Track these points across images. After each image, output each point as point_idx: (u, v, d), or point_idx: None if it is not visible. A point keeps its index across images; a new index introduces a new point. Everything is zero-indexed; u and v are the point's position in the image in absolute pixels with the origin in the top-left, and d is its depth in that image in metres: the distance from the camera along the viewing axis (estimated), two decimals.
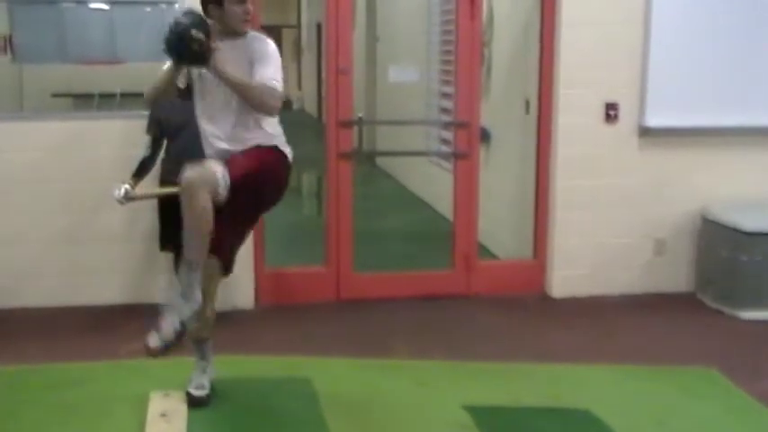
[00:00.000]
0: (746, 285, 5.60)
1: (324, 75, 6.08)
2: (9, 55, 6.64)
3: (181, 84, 4.03)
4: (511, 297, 5.90)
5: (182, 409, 3.96)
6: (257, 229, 5.60)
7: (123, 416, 3.95)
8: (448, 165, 6.71)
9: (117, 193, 4.93)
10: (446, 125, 7.15)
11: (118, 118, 5.58)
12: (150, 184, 5.17)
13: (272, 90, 3.78)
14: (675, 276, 6.04)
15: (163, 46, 3.80)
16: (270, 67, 3.82)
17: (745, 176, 6.00)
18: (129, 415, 3.94)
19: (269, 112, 3.88)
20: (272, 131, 3.96)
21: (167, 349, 3.72)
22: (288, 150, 4.00)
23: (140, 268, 5.56)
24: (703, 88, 5.85)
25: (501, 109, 6.68)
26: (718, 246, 5.76)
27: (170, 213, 5.17)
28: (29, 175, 5.40)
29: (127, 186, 4.95)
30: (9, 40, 6.77)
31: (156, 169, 5.17)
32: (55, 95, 6.89)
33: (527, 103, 6.17)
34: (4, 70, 6.61)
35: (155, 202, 5.24)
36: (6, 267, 5.44)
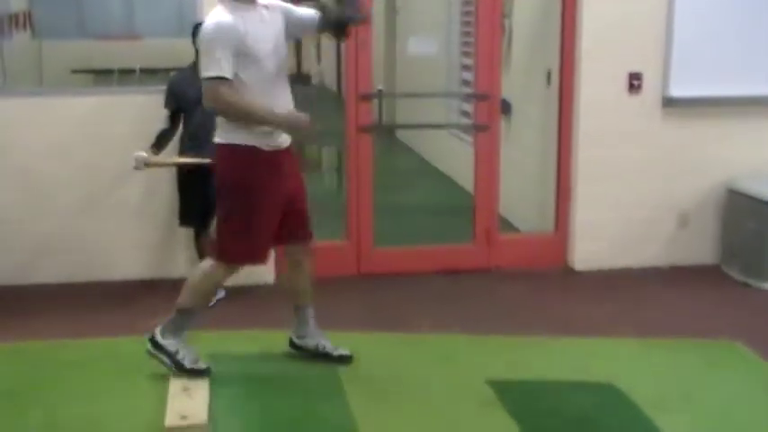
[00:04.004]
0: None
1: (343, 48, 6.02)
2: (29, 31, 6.66)
3: None
4: (533, 271, 5.86)
5: (204, 383, 3.97)
6: None
7: (146, 391, 3.97)
8: (468, 137, 6.65)
9: (135, 155, 4.90)
10: (466, 97, 7.09)
11: (137, 93, 5.55)
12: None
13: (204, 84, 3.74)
14: (700, 249, 5.98)
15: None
16: (201, 56, 3.78)
17: None
18: (151, 390, 3.95)
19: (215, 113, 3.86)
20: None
21: None
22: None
23: (160, 243, 5.55)
24: (729, 57, 5.74)
25: (522, 80, 6.61)
26: (744, 217, 5.68)
27: (190, 189, 5.17)
28: (49, 150, 5.40)
29: (144, 154, 4.93)
30: (29, 17, 6.78)
31: (175, 145, 5.16)
32: (75, 71, 6.90)
33: (548, 74, 6.10)
34: (25, 47, 6.62)
35: (175, 178, 5.22)
36: (27, 243, 5.46)
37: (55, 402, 3.91)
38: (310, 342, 4.30)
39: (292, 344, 4.35)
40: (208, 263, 4.04)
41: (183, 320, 4.04)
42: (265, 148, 3.85)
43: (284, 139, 3.95)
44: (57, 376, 4.15)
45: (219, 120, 3.88)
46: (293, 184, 4.06)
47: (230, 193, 3.89)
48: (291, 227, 4.07)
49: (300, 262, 4.22)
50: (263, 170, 3.87)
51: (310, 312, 4.31)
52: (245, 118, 3.79)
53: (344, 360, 4.30)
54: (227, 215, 3.93)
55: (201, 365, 4.05)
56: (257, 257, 4.04)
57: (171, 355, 4.01)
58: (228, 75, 3.67)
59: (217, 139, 3.92)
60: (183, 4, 5.89)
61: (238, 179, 3.87)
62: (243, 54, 3.70)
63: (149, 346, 4.04)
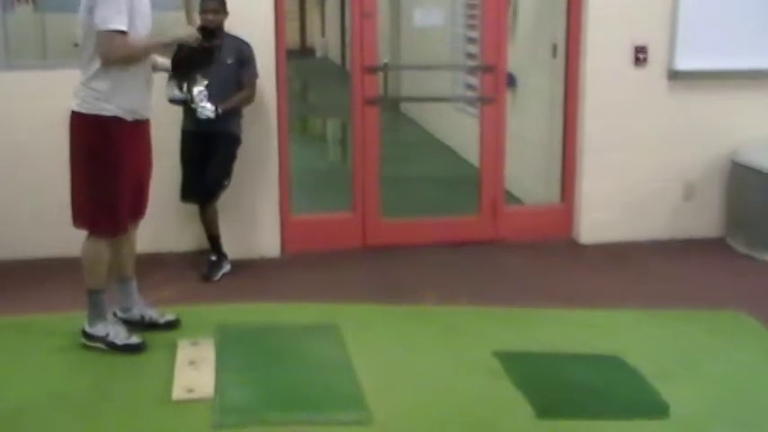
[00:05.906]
0: None
1: (348, 20, 6.00)
2: (31, 4, 6.62)
3: None
4: (538, 242, 5.87)
5: (210, 356, 3.99)
6: (283, 176, 5.59)
7: (152, 364, 3.99)
8: (474, 110, 6.64)
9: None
10: (472, 69, 7.08)
11: None
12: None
13: (103, 35, 3.77)
14: (705, 221, 5.98)
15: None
16: (100, 8, 3.77)
17: None
18: (157, 363, 3.98)
19: (105, 62, 3.84)
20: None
21: None
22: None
23: (166, 217, 5.55)
24: (734, 30, 5.72)
25: (527, 53, 6.59)
26: (749, 189, 5.68)
27: (193, 162, 5.17)
28: (53, 123, 5.37)
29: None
30: None
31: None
32: (78, 45, 6.87)
33: (554, 47, 6.07)
34: (27, 20, 6.58)
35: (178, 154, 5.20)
36: (32, 216, 5.46)
37: (63, 374, 3.94)
38: (136, 313, 4.33)
39: (118, 318, 4.33)
40: (86, 241, 4.08)
41: (97, 302, 4.12)
42: (128, 118, 3.93)
43: (147, 110, 4.05)
44: (66, 347, 4.17)
45: (81, 88, 3.94)
46: (146, 160, 4.17)
47: (93, 163, 3.94)
48: (135, 203, 4.14)
49: (128, 235, 4.24)
50: (124, 141, 3.95)
51: (134, 284, 4.36)
52: (144, 54, 3.97)
53: (172, 325, 4.35)
54: (92, 187, 3.96)
55: (134, 340, 4.13)
56: (123, 228, 4.09)
57: (102, 340, 4.11)
58: (127, 28, 3.81)
59: (76, 109, 3.95)
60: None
61: (102, 149, 3.93)
62: (129, 12, 3.84)
63: (82, 338, 4.14)
